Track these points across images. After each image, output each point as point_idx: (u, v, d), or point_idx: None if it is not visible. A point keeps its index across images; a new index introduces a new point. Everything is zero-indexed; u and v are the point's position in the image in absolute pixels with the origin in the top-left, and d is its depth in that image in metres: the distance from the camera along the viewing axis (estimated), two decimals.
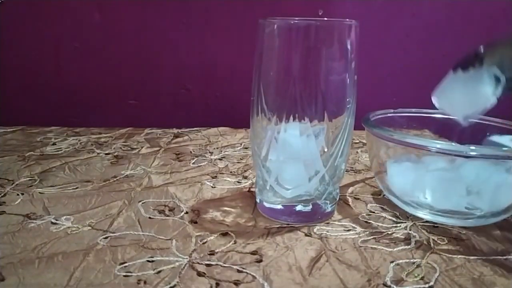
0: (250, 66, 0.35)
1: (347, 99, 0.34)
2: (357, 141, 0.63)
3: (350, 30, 0.33)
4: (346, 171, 0.49)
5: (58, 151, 0.55)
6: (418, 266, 0.30)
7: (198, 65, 0.74)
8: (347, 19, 0.33)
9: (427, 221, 0.37)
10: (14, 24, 0.71)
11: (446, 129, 0.45)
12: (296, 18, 0.33)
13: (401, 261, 0.31)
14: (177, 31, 0.72)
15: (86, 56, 0.73)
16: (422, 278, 0.29)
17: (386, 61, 0.75)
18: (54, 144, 0.59)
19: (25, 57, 0.72)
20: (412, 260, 0.31)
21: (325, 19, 0.33)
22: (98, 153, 0.55)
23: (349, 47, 0.33)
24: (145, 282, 0.27)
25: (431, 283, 0.28)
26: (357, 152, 0.58)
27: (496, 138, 0.42)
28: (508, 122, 0.42)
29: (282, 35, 0.34)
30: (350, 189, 0.45)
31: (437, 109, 0.46)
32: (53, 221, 0.35)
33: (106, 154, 0.54)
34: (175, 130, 0.68)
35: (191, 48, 0.73)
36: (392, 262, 0.30)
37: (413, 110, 0.46)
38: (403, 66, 0.76)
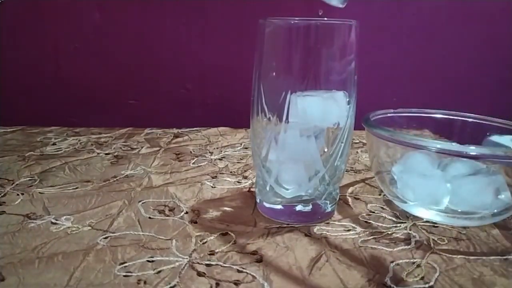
0: (250, 66, 0.35)
1: (347, 99, 0.34)
2: (357, 141, 0.63)
3: (350, 30, 0.33)
4: (346, 171, 0.49)
5: (58, 151, 0.55)
6: (418, 266, 0.30)
7: (198, 65, 0.74)
8: (347, 19, 0.33)
9: (427, 221, 0.37)
10: (14, 24, 0.71)
11: (446, 129, 0.45)
12: (296, 18, 0.33)
13: (401, 261, 0.31)
14: (177, 31, 0.72)
15: (86, 56, 0.73)
16: (422, 278, 0.29)
17: (386, 61, 0.75)
18: (54, 144, 0.59)
19: (25, 57, 0.72)
20: (412, 260, 0.31)
21: (325, 19, 0.33)
22: (98, 153, 0.55)
23: (349, 47, 0.33)
24: (145, 282, 0.27)
25: (431, 283, 0.28)
26: (357, 152, 0.58)
27: (496, 138, 0.42)
28: (508, 122, 0.42)
29: (282, 35, 0.34)
30: (350, 189, 0.45)
31: (437, 108, 0.46)
32: (53, 221, 0.35)
33: (106, 154, 0.54)
34: (175, 130, 0.68)
35: (191, 48, 0.73)
36: (392, 262, 0.30)
37: (413, 110, 0.46)
38: (403, 66, 0.76)
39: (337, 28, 0.33)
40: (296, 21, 0.33)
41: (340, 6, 0.35)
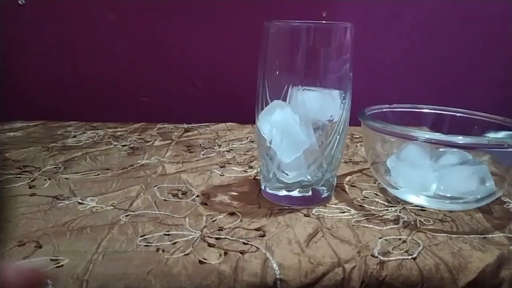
0: (255, 65, 0.39)
1: (343, 95, 0.38)
2: (357, 136, 0.66)
3: (346, 32, 0.37)
4: (345, 162, 0.53)
5: (78, 143, 0.60)
6: (404, 242, 0.34)
7: (207, 65, 0.78)
8: (344, 22, 0.37)
9: (416, 205, 0.41)
10: (35, 25, 0.75)
11: (437, 123, 0.49)
12: (298, 21, 0.36)
13: (389, 237, 0.34)
14: (187, 32, 0.76)
15: (102, 56, 0.77)
16: (406, 251, 0.32)
17: (386, 61, 0.78)
18: (74, 136, 0.63)
19: (45, 57, 0.77)
20: (399, 237, 0.34)
21: (324, 22, 0.37)
22: (115, 145, 0.59)
23: (345, 47, 0.37)
24: (163, 251, 0.31)
25: (414, 255, 0.32)
26: (356, 145, 0.62)
27: (493, 135, 0.45)
28: (506, 118, 0.44)
29: (285, 36, 0.37)
30: (348, 178, 0.48)
31: (430, 104, 0.49)
32: (80, 201, 0.40)
33: (123, 145, 0.59)
34: (185, 125, 0.72)
35: (200, 48, 0.77)
36: (380, 238, 0.34)
37: (407, 105, 0.49)
38: (403, 66, 0.79)
39: (334, 30, 0.37)
40: (298, 24, 0.36)
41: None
